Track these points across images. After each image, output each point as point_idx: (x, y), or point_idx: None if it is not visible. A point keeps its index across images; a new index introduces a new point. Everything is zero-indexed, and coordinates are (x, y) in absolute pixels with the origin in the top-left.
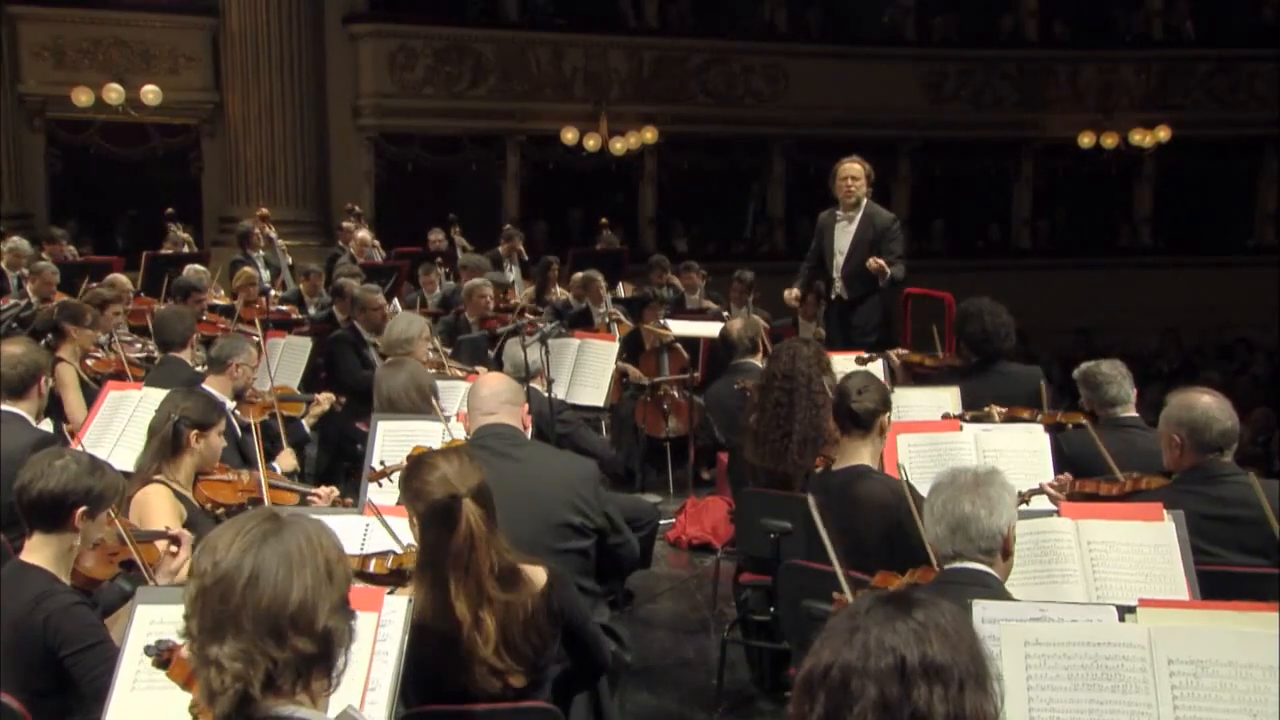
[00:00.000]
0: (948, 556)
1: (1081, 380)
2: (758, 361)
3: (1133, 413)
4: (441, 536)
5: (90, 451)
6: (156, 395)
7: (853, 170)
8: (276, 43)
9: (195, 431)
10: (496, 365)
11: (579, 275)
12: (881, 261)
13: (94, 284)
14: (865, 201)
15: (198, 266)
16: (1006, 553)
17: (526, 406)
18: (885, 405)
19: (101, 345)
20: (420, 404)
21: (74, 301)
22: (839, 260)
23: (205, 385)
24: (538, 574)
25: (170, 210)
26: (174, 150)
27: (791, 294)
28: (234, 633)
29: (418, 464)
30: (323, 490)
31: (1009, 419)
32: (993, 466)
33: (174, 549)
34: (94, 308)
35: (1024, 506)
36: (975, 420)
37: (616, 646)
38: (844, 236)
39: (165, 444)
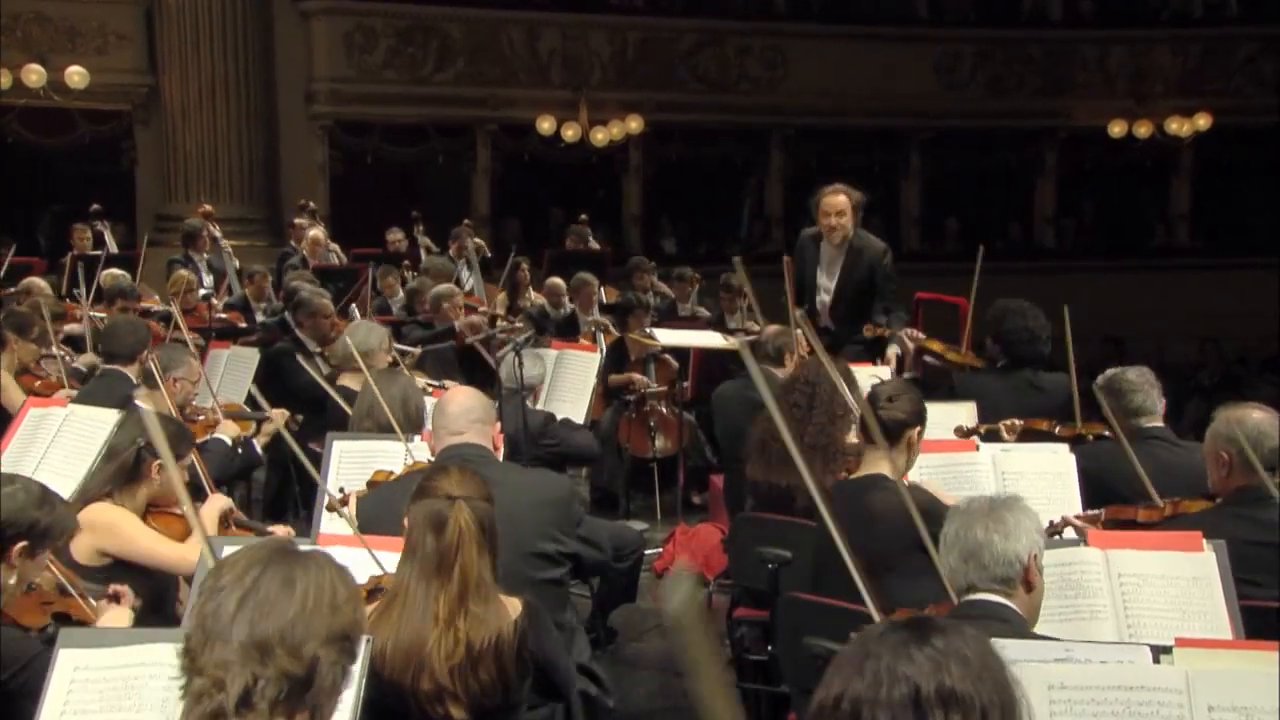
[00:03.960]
0: (963, 590)
1: (1105, 388)
2: (779, 375)
3: (1159, 423)
4: (428, 534)
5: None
6: (84, 413)
7: (837, 204)
8: (219, 19)
9: (159, 463)
10: (468, 378)
11: (553, 279)
12: (880, 331)
13: (9, 289)
14: (854, 233)
15: (115, 271)
16: (1029, 585)
17: (498, 425)
18: (917, 419)
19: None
20: (404, 423)
21: (22, 310)
22: (824, 298)
23: (138, 402)
24: (512, 606)
25: (96, 207)
26: (103, 139)
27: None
28: (222, 643)
29: (434, 470)
30: (280, 529)
31: (1027, 431)
32: (1014, 494)
33: (113, 604)
34: (42, 319)
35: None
36: (990, 435)
37: (598, 690)
38: (828, 271)
39: (124, 469)
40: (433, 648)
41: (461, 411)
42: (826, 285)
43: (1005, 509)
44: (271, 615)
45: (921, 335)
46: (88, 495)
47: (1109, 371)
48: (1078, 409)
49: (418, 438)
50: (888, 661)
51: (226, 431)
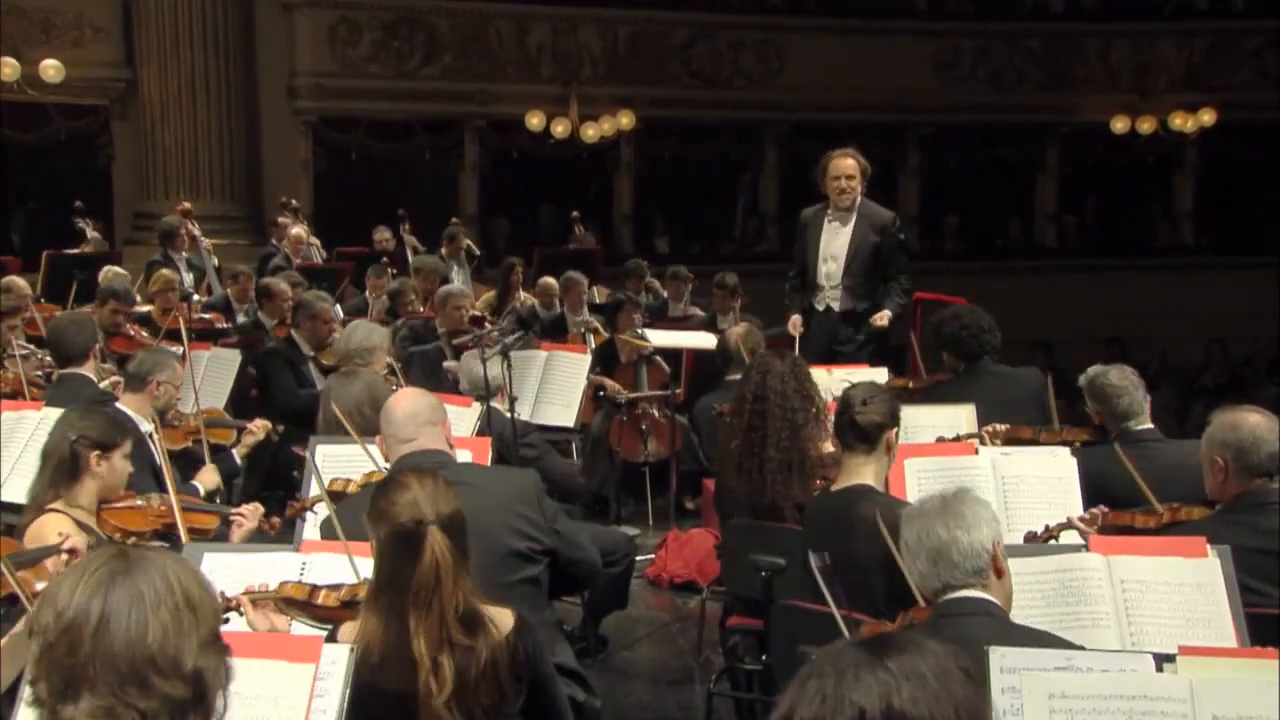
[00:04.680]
0: (936, 591)
1: (1088, 390)
2: None
3: (1148, 424)
4: (402, 565)
5: None
6: (58, 416)
7: (846, 168)
8: (198, 12)
9: (96, 453)
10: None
11: (546, 279)
12: (886, 317)
13: None
14: (860, 199)
15: (117, 269)
16: (999, 571)
17: (449, 424)
18: (893, 420)
19: None
20: (374, 424)
21: None
22: (831, 268)
23: (120, 405)
24: (503, 619)
25: (78, 204)
26: (79, 135)
27: (795, 321)
28: (89, 687)
29: (387, 482)
30: (247, 508)
31: (1009, 440)
32: (960, 485)
33: (66, 560)
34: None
35: (1052, 543)
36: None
37: (586, 694)
38: (836, 240)
39: (62, 468)
40: (424, 686)
41: (407, 417)
42: (834, 254)
43: (959, 503)
44: (135, 640)
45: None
46: (38, 502)
47: (1091, 371)
48: (1054, 414)
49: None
50: (833, 684)
51: (204, 483)
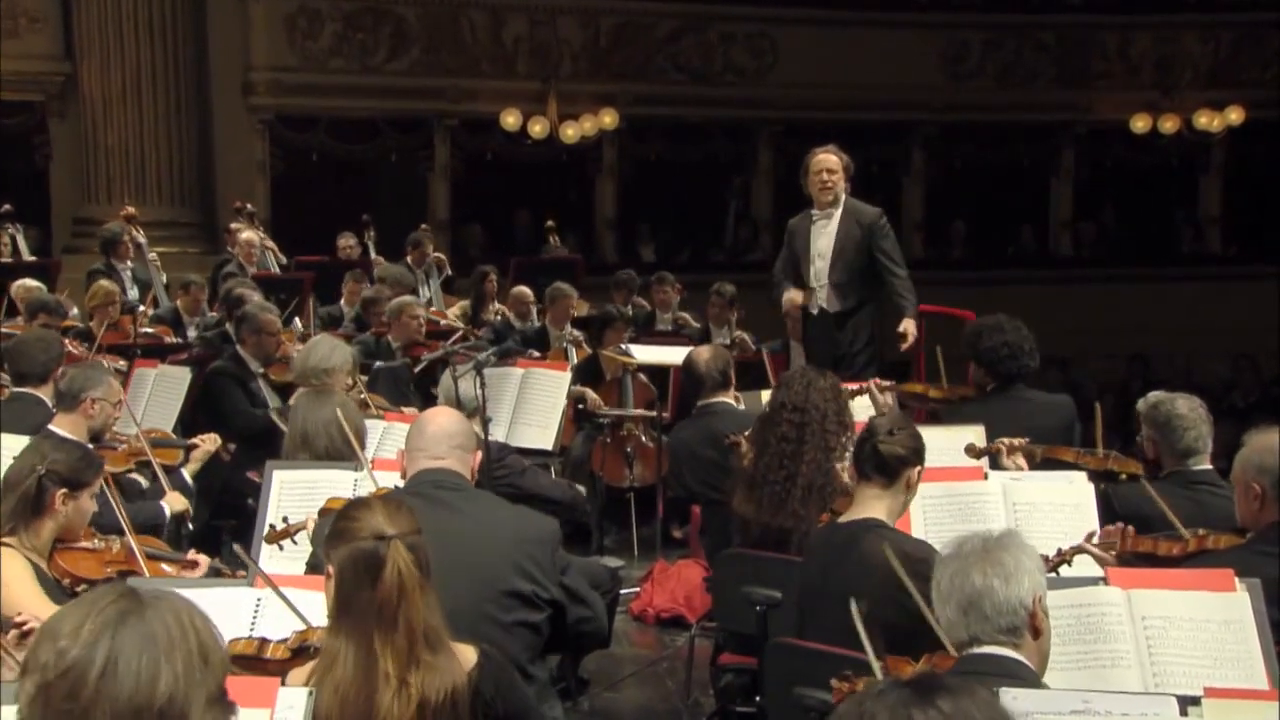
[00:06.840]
0: (964, 643)
1: (1150, 418)
2: (730, 399)
3: (1207, 465)
4: (363, 583)
5: None
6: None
7: (829, 162)
8: (145, 1)
9: (63, 491)
10: (423, 399)
11: (519, 288)
12: (910, 326)
13: None
14: (844, 198)
15: (28, 282)
16: (1036, 631)
17: (479, 454)
18: (918, 457)
19: None
20: (342, 448)
21: None
22: (819, 265)
23: (52, 427)
24: (464, 654)
25: (7, 208)
26: (13, 133)
27: (792, 296)
28: None
29: (348, 505)
30: (200, 558)
31: (1047, 459)
32: (1007, 528)
33: (21, 641)
34: None
35: (1066, 568)
36: (994, 463)
37: None
38: (823, 237)
39: (25, 502)
40: (387, 713)
41: (443, 434)
42: (821, 252)
43: (1001, 549)
44: (143, 688)
45: (888, 383)
46: None
47: (1155, 396)
48: (1099, 437)
49: (368, 466)
50: None
51: (172, 504)
